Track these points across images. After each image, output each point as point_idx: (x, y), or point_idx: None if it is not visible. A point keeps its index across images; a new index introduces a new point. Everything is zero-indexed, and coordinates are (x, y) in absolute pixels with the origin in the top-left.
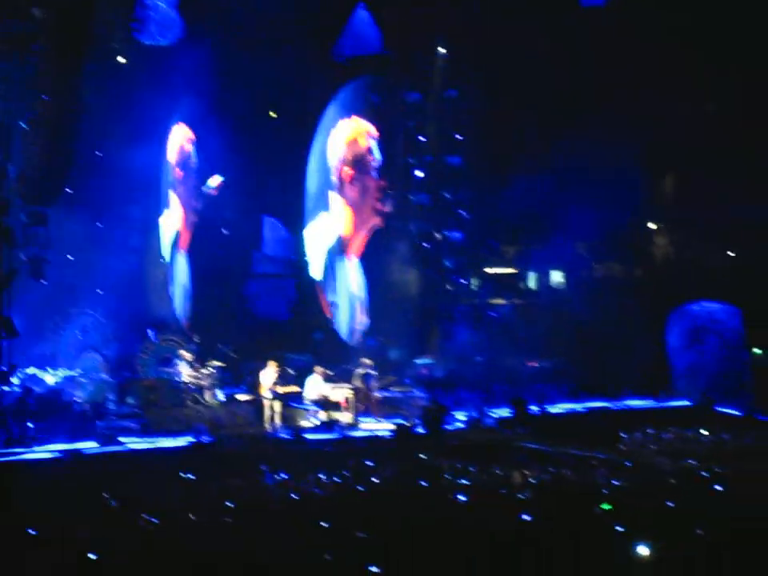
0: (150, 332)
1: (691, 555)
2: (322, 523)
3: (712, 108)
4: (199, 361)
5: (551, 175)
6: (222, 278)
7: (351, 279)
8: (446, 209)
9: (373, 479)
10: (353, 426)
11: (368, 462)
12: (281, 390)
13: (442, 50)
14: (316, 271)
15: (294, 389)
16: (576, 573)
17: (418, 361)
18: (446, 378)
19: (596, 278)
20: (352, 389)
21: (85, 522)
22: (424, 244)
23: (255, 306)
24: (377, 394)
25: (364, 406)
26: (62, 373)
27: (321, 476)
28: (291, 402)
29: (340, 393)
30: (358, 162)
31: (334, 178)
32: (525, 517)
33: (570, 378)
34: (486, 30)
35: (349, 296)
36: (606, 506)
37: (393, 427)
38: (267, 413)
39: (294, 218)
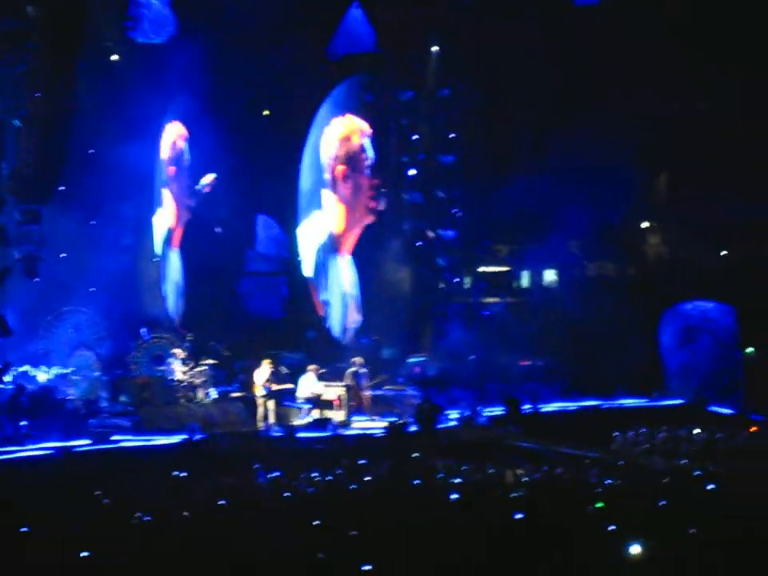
0: (143, 330)
1: (683, 554)
2: (314, 521)
3: (706, 107)
4: (192, 359)
5: (545, 174)
6: (215, 276)
7: (344, 277)
8: (439, 207)
9: (365, 477)
10: (345, 425)
11: (361, 461)
12: (275, 387)
13: (435, 49)
14: (308, 269)
15: (288, 386)
16: (568, 572)
17: (411, 359)
18: (439, 377)
19: (589, 276)
20: (345, 387)
21: (77, 520)
22: (417, 242)
23: (248, 304)
24: (368, 393)
25: (356, 404)
26: (56, 371)
27: (313, 474)
28: (284, 400)
29: (333, 391)
30: (352, 160)
31: (327, 176)
32: (517, 515)
33: (563, 376)
34: (480, 29)
35: (341, 294)
36: (598, 505)
37: (385, 425)
38: (260, 411)
39: (288, 215)
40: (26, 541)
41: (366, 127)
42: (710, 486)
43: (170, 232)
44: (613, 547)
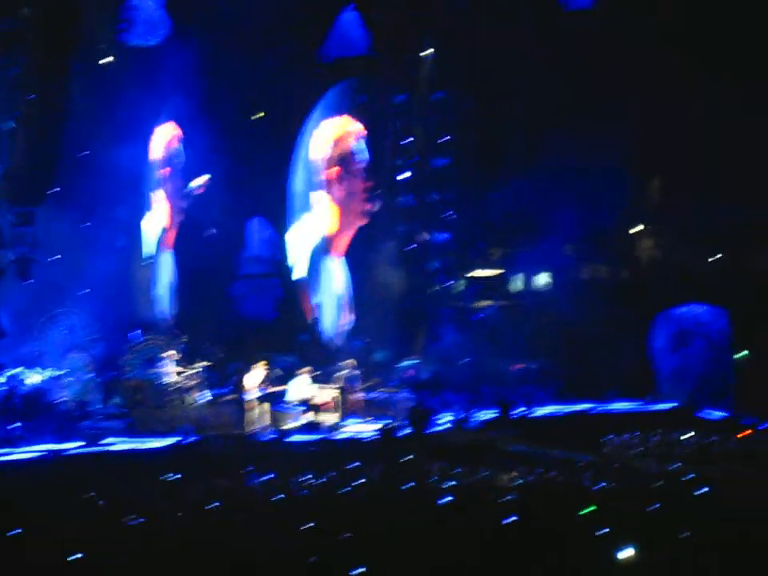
0: (136, 332)
1: (676, 558)
2: (307, 524)
3: (699, 112)
4: (185, 361)
5: (538, 177)
6: (208, 278)
7: (336, 278)
8: (432, 210)
9: (358, 480)
10: (338, 427)
11: (353, 463)
12: (269, 390)
13: (429, 52)
14: (301, 270)
15: (281, 389)
16: (561, 575)
17: (404, 362)
18: (432, 380)
19: (582, 280)
20: (338, 389)
21: (69, 522)
22: (410, 245)
23: (241, 306)
24: (360, 395)
25: (348, 407)
26: (49, 372)
27: (306, 477)
28: (277, 402)
29: (326, 394)
30: (345, 162)
31: (320, 177)
32: (510, 518)
33: (556, 379)
34: (474, 33)
35: (333, 295)
36: (590, 508)
37: (378, 428)
38: (254, 413)
39: (281, 217)
40: (20, 542)
41: (360, 129)
42: (702, 490)
43: (164, 232)
44: (605, 551)
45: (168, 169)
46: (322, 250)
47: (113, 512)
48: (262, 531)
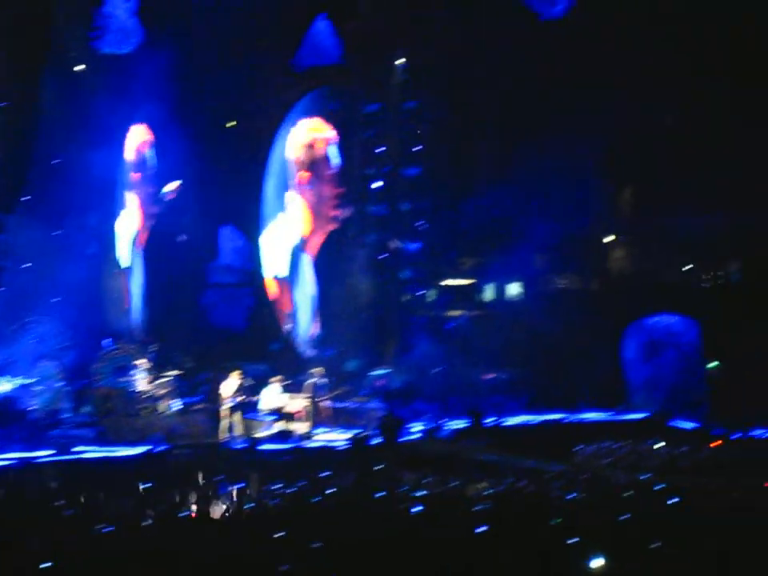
0: (106, 340)
1: (647, 568)
2: (278, 533)
3: (671, 121)
4: (156, 369)
5: (510, 187)
6: (180, 287)
7: (309, 278)
8: (404, 219)
9: (329, 489)
10: (310, 436)
11: (325, 472)
12: (240, 399)
13: (402, 61)
14: (282, 269)
15: (252, 398)
16: None
17: (376, 371)
18: (402, 389)
19: (553, 289)
20: (308, 398)
21: (38, 531)
22: (382, 254)
23: (212, 314)
24: (327, 404)
25: (318, 416)
26: (19, 380)
27: (277, 485)
28: (249, 412)
29: (297, 403)
30: (315, 167)
31: (292, 180)
32: (480, 528)
33: (528, 389)
34: (446, 42)
35: (308, 295)
36: (559, 519)
37: (350, 437)
38: (225, 422)
39: (253, 223)
40: None
41: (332, 134)
42: (673, 500)
43: (137, 235)
44: (576, 560)
45: (139, 174)
46: (299, 248)
47: (83, 520)
48: (233, 540)
